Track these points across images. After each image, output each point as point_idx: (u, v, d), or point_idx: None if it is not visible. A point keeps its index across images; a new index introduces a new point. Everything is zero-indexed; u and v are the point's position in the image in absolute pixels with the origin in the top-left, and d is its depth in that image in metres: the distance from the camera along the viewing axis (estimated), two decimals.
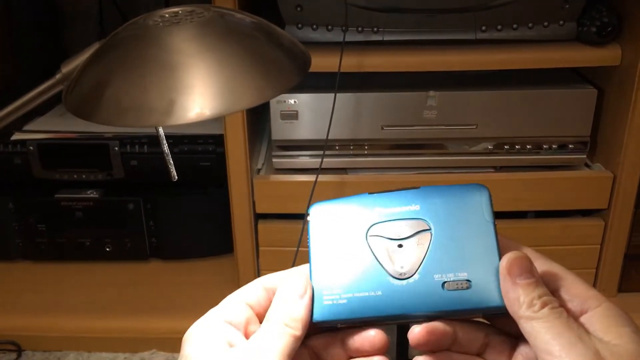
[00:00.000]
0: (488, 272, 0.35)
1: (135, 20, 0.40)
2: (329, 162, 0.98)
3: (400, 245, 0.37)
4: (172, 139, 1.06)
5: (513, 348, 0.37)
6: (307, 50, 0.43)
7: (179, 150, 1.06)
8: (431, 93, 0.95)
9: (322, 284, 0.37)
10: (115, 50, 0.39)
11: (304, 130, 0.97)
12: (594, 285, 1.03)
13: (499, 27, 0.94)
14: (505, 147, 0.99)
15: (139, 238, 1.12)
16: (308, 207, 0.39)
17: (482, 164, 1.00)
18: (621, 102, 0.94)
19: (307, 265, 0.38)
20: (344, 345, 0.37)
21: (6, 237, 1.12)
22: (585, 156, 1.00)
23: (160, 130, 0.54)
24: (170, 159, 0.55)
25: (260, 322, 0.36)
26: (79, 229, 1.11)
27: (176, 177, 0.55)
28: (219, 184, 1.04)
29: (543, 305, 0.32)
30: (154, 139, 1.06)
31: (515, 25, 0.94)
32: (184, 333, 0.36)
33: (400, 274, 0.36)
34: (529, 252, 0.37)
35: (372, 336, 0.37)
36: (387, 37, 0.95)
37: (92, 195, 1.09)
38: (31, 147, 1.06)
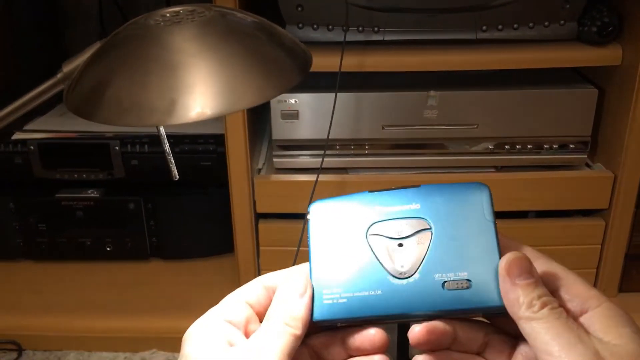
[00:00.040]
0: (488, 272, 0.35)
1: (137, 20, 0.40)
2: (330, 161, 0.98)
3: (400, 245, 0.37)
4: (173, 138, 1.06)
5: (513, 347, 0.37)
6: (308, 50, 0.43)
7: (180, 150, 1.06)
8: (432, 93, 0.95)
9: (322, 282, 0.37)
10: (116, 49, 0.39)
11: (304, 129, 0.97)
12: (595, 285, 1.03)
13: (500, 26, 0.94)
14: (506, 147, 0.99)
15: (140, 238, 1.12)
16: (308, 206, 0.39)
17: (483, 164, 1.00)
18: (622, 102, 0.94)
19: (307, 264, 0.38)
20: (344, 344, 0.37)
21: (7, 236, 1.12)
22: (586, 156, 1.00)
23: (162, 130, 0.54)
24: (172, 158, 0.55)
25: (261, 321, 0.36)
26: (80, 228, 1.11)
27: (177, 177, 0.55)
28: (220, 184, 1.04)
29: (542, 306, 0.32)
30: (155, 139, 1.06)
31: (515, 25, 0.94)
32: (184, 332, 0.36)
33: (401, 273, 0.36)
34: (530, 251, 0.37)
35: (372, 335, 0.37)
36: (387, 37, 0.95)
37: (92, 195, 1.09)
38: (32, 147, 1.06)
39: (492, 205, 0.37)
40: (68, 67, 0.46)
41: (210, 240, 1.15)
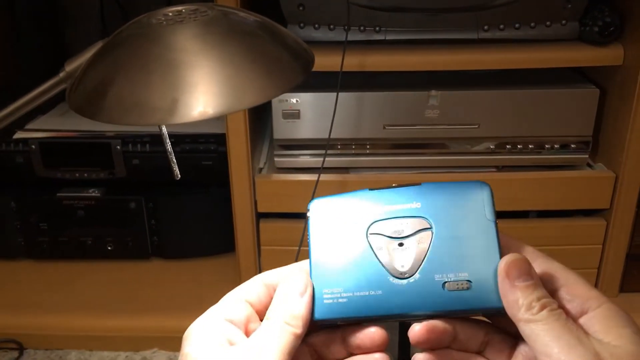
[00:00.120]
0: (489, 273, 0.35)
1: (139, 19, 0.40)
2: (331, 161, 0.98)
3: (400, 244, 0.37)
4: (174, 138, 1.06)
5: (513, 347, 0.37)
6: (310, 49, 0.43)
7: (181, 150, 1.06)
8: (433, 92, 0.95)
9: (322, 281, 0.37)
10: (118, 48, 0.39)
11: (305, 129, 0.97)
12: (596, 285, 1.03)
13: (501, 26, 0.94)
14: (507, 146, 0.99)
15: (141, 237, 1.12)
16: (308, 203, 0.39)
17: (484, 164, 1.00)
18: (623, 102, 0.94)
19: (307, 261, 0.38)
20: (344, 342, 0.37)
21: (8, 235, 1.12)
22: (587, 156, 1.00)
23: (164, 129, 0.54)
24: (174, 157, 0.55)
25: (261, 320, 0.36)
26: (81, 227, 1.11)
27: (179, 176, 0.55)
28: (221, 183, 1.04)
29: (542, 308, 0.32)
30: (156, 138, 1.06)
31: (517, 25, 0.94)
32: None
33: (401, 273, 0.36)
34: (531, 251, 0.37)
35: (372, 333, 0.37)
36: (389, 37, 0.95)
37: (94, 194, 1.09)
38: (33, 146, 1.06)
39: (493, 204, 0.37)
40: (70, 66, 0.46)
41: (211, 239, 1.15)
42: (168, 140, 0.55)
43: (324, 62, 0.89)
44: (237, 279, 1.04)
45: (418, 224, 0.37)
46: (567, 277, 0.35)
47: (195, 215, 1.12)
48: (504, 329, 0.37)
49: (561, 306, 0.34)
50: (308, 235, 0.38)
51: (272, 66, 0.39)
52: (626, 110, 0.93)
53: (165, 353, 1.00)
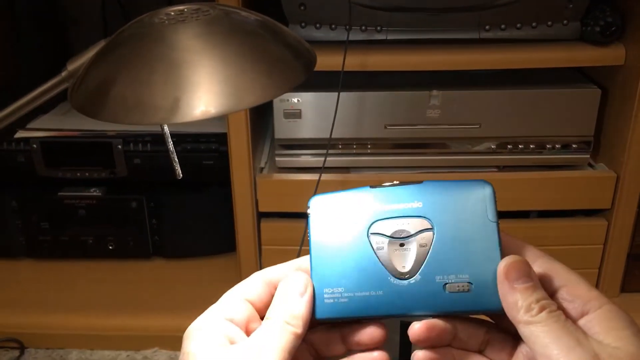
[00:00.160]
0: (489, 275, 0.35)
1: (141, 18, 0.40)
2: (332, 161, 0.98)
3: (402, 244, 0.36)
4: (175, 137, 1.06)
5: (514, 346, 0.37)
6: (312, 49, 0.43)
7: (182, 149, 1.06)
8: (434, 92, 0.95)
9: (323, 281, 0.37)
10: (120, 48, 0.39)
11: (307, 129, 0.97)
12: (597, 286, 1.03)
13: (503, 26, 0.94)
14: (509, 146, 0.99)
15: (142, 236, 1.12)
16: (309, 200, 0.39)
17: (485, 164, 1.00)
18: (625, 101, 0.94)
19: (308, 257, 0.38)
20: (343, 339, 0.38)
21: (9, 234, 1.12)
22: (588, 156, 1.00)
23: (166, 128, 0.54)
24: (175, 156, 0.55)
25: (261, 318, 0.36)
26: (82, 227, 1.11)
27: (181, 175, 0.55)
28: (222, 183, 1.04)
29: (541, 309, 0.33)
30: (157, 138, 1.06)
31: (519, 25, 0.94)
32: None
33: (402, 274, 0.36)
34: (533, 251, 0.37)
35: (371, 330, 0.37)
36: (390, 36, 0.95)
37: (95, 194, 1.09)
38: (34, 145, 1.06)
39: (495, 204, 0.37)
40: (73, 65, 0.46)
41: (212, 239, 1.15)
42: (170, 140, 0.55)
43: (325, 61, 0.89)
44: (238, 279, 1.03)
45: (419, 224, 0.37)
46: (568, 277, 0.35)
47: (196, 215, 1.12)
48: (505, 329, 0.37)
49: (562, 307, 0.34)
50: (308, 232, 0.38)
51: (274, 66, 0.39)
52: (627, 110, 0.93)
53: (166, 352, 1.00)
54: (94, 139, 1.06)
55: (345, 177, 0.99)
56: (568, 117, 0.97)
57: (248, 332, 0.36)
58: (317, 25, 0.94)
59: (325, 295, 0.36)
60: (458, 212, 0.36)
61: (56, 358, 0.99)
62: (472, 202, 0.37)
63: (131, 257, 1.14)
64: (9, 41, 1.27)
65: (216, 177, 1.06)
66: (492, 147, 0.99)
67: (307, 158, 0.99)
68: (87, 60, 0.42)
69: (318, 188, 0.93)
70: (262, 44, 0.40)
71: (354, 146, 0.99)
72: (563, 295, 0.34)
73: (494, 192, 0.37)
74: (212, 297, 0.38)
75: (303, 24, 0.94)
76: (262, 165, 1.03)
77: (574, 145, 0.99)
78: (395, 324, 0.40)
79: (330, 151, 0.96)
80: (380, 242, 0.37)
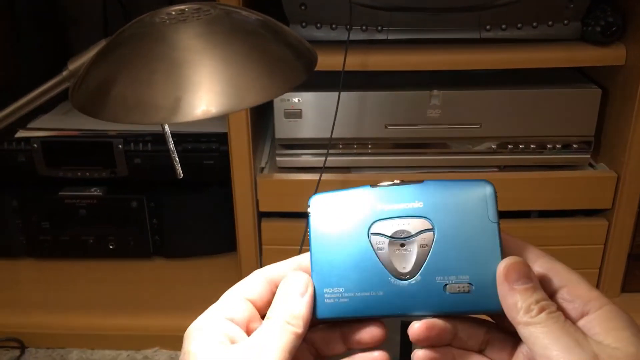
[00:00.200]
0: (490, 276, 0.35)
1: (142, 18, 0.40)
2: (333, 160, 0.98)
3: (402, 245, 0.36)
4: (176, 137, 1.05)
5: (514, 345, 0.37)
6: (313, 49, 0.43)
7: (183, 149, 1.06)
8: (435, 92, 0.95)
9: (323, 281, 0.37)
10: (121, 47, 0.39)
11: (307, 128, 0.97)
12: (597, 286, 1.03)
13: (504, 26, 0.94)
14: (509, 146, 0.99)
15: (142, 236, 1.12)
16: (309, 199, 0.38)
17: (486, 164, 1.00)
18: (625, 102, 0.94)
19: (308, 254, 0.38)
20: (343, 338, 0.38)
21: (10, 234, 1.12)
22: (589, 156, 1.00)
23: (166, 128, 0.54)
24: (176, 156, 0.55)
25: (262, 316, 0.36)
26: (83, 226, 1.11)
27: (182, 175, 0.55)
28: (222, 183, 1.04)
29: (540, 310, 0.33)
30: (158, 137, 1.06)
31: (519, 25, 0.94)
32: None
33: (402, 275, 0.36)
34: (534, 251, 0.37)
35: (371, 329, 0.37)
36: (391, 36, 0.95)
37: (95, 193, 1.09)
38: (35, 145, 1.06)
39: (496, 204, 0.36)
40: (73, 65, 0.46)
41: (212, 238, 1.15)
42: (171, 139, 0.55)
43: (326, 61, 0.89)
44: (238, 279, 1.02)
45: (420, 224, 0.37)
46: (569, 277, 0.35)
47: (196, 215, 1.12)
48: (506, 328, 0.37)
49: (562, 307, 0.34)
50: (309, 231, 0.38)
51: (275, 65, 0.39)
52: (628, 110, 0.93)
53: (166, 352, 1.00)
54: (95, 138, 1.07)
55: (346, 177, 0.99)
56: (569, 117, 0.97)
57: (249, 332, 0.36)
58: (318, 25, 0.94)
59: (326, 295, 0.36)
60: (459, 212, 0.36)
61: (57, 358, 0.99)
62: (473, 203, 0.36)
63: (132, 256, 1.14)
64: (9, 41, 1.27)
65: (217, 176, 1.06)
66: (493, 147, 0.99)
67: (307, 158, 0.99)
68: (88, 59, 0.42)
69: (318, 188, 0.93)
70: (263, 44, 0.40)
71: (355, 146, 0.99)
72: (564, 295, 0.35)
73: (495, 192, 0.37)
74: (212, 297, 0.38)
75: (304, 24, 0.94)
76: (263, 165, 1.03)
77: (574, 145, 0.99)
78: (395, 323, 0.40)
79: (331, 151, 0.96)
80: (381, 243, 0.37)
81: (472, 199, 0.37)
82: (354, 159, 1.00)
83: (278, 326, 0.34)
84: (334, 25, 0.94)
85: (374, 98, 0.96)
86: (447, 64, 0.93)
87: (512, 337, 0.37)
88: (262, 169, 1.02)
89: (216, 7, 0.40)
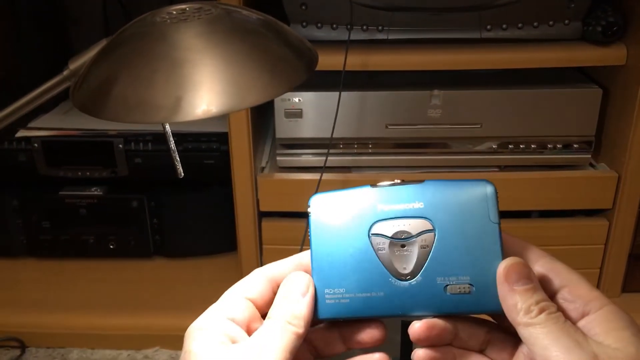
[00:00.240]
0: (490, 277, 0.35)
1: (143, 17, 0.40)
2: (333, 160, 0.98)
3: (403, 245, 0.36)
4: (176, 137, 1.04)
5: (515, 345, 0.37)
6: (314, 48, 0.43)
7: (183, 148, 1.06)
8: (436, 92, 0.95)
9: (324, 281, 0.37)
10: (122, 47, 0.39)
11: (308, 128, 0.97)
12: (598, 286, 1.02)
13: (504, 26, 0.94)
14: (510, 146, 0.99)
15: (143, 236, 1.12)
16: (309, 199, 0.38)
17: (487, 163, 1.00)
18: (626, 101, 0.94)
19: (309, 252, 0.38)
20: (343, 337, 0.38)
21: (10, 234, 1.12)
22: (589, 156, 1.00)
23: (167, 127, 0.54)
24: (177, 155, 0.55)
25: (262, 315, 0.36)
26: (83, 226, 1.11)
27: (183, 174, 0.55)
28: (223, 182, 1.04)
29: (540, 311, 0.33)
30: (158, 137, 1.06)
31: (520, 25, 0.94)
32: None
33: (403, 275, 0.36)
34: (535, 251, 0.37)
35: (371, 328, 0.37)
36: (392, 36, 0.95)
37: (96, 193, 1.09)
38: (36, 145, 1.06)
39: (497, 205, 0.36)
40: (74, 64, 0.46)
41: (213, 238, 1.15)
42: (172, 139, 0.55)
43: (327, 61, 0.89)
44: (239, 278, 1.03)
45: (421, 225, 0.36)
46: (570, 277, 0.35)
47: (197, 214, 1.12)
48: (506, 328, 0.37)
49: (563, 307, 0.34)
50: (309, 231, 0.38)
51: (276, 65, 0.39)
52: (629, 110, 0.93)
53: (167, 351, 1.00)
54: (95, 138, 1.07)
55: (346, 177, 0.99)
56: (569, 117, 0.97)
57: (249, 332, 0.36)
58: (319, 24, 0.94)
59: (327, 296, 0.36)
60: (460, 213, 0.36)
61: (57, 357, 0.99)
62: (474, 203, 0.36)
63: (132, 256, 1.14)
64: (10, 40, 1.27)
65: (217, 176, 1.06)
66: (493, 147, 0.99)
67: (308, 157, 0.99)
68: (89, 59, 0.42)
69: (319, 188, 0.93)
70: (264, 43, 0.40)
71: (355, 146, 0.99)
72: (565, 295, 0.35)
73: (496, 193, 0.37)
74: (213, 297, 0.38)
75: (304, 24, 0.94)
76: (263, 164, 1.03)
77: (575, 145, 0.98)
78: (396, 323, 0.40)
79: (331, 151, 0.96)
80: (382, 243, 0.36)
81: (473, 200, 0.36)
82: (355, 159, 1.00)
83: (279, 326, 0.34)
84: (334, 25, 0.94)
85: (374, 98, 0.96)
86: (447, 64, 0.93)
87: (512, 337, 0.37)
88: (263, 168, 1.02)
89: (217, 6, 0.40)
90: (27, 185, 1.12)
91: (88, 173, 1.08)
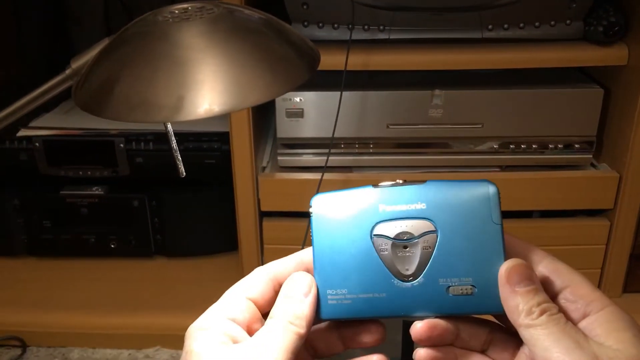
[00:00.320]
0: (493, 278, 0.35)
1: (145, 17, 0.40)
2: (334, 160, 0.98)
3: (405, 247, 0.36)
4: (177, 136, 1.04)
5: (517, 346, 0.37)
6: (315, 48, 0.43)
7: (184, 148, 1.06)
8: (437, 92, 0.95)
9: (326, 281, 0.37)
10: (124, 46, 0.39)
11: (309, 128, 0.97)
12: (599, 286, 1.02)
13: (506, 26, 0.94)
14: (511, 146, 0.99)
15: (144, 235, 1.12)
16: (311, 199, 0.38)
17: (488, 163, 1.00)
18: (627, 101, 0.94)
19: (309, 250, 0.38)
20: (341, 337, 0.38)
21: (11, 233, 1.12)
22: (591, 156, 0.99)
23: (169, 127, 0.54)
24: (179, 155, 0.55)
25: (263, 314, 0.36)
26: (84, 225, 1.11)
27: (184, 174, 0.55)
28: (224, 182, 1.04)
29: (541, 313, 0.33)
30: (160, 136, 1.06)
31: (521, 24, 0.94)
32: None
33: (405, 276, 0.36)
34: (538, 252, 0.37)
35: (370, 328, 0.37)
36: (393, 36, 0.95)
37: (97, 192, 1.09)
38: (37, 144, 1.06)
39: (499, 206, 0.36)
40: (76, 64, 0.46)
41: (214, 238, 1.15)
42: (173, 138, 0.55)
43: (328, 61, 0.89)
44: (240, 278, 1.03)
45: (423, 226, 0.36)
46: (572, 278, 0.35)
47: (198, 214, 1.12)
48: (508, 329, 0.37)
49: (565, 307, 0.34)
50: (311, 232, 0.37)
51: (278, 64, 0.39)
52: (630, 110, 0.93)
53: (167, 351, 1.00)
54: (97, 137, 1.07)
55: (348, 177, 0.99)
56: (571, 117, 0.97)
57: (250, 332, 0.36)
58: (320, 24, 0.94)
59: (329, 297, 0.36)
60: (462, 214, 0.36)
61: (58, 356, 0.99)
62: (476, 204, 0.36)
63: (133, 255, 1.14)
64: (11, 39, 1.27)
65: (218, 176, 1.06)
66: (495, 146, 0.99)
67: (309, 157, 0.99)
68: (91, 58, 0.42)
69: (320, 187, 0.93)
70: (265, 43, 0.40)
71: (356, 145, 0.99)
72: (567, 295, 0.35)
73: (499, 194, 0.37)
74: (213, 296, 0.38)
75: (305, 23, 0.94)
76: (264, 164, 1.03)
77: (576, 145, 0.98)
78: (397, 323, 0.40)
79: (333, 150, 0.96)
80: (384, 244, 0.36)
81: (475, 201, 0.36)
82: (356, 159, 1.00)
83: (281, 326, 0.34)
84: (336, 25, 0.94)
85: (375, 98, 0.96)
86: (449, 64, 0.93)
87: (514, 338, 0.37)
88: (264, 168, 1.02)
89: (219, 5, 0.40)
90: (28, 184, 1.12)
91: (89, 172, 1.08)
